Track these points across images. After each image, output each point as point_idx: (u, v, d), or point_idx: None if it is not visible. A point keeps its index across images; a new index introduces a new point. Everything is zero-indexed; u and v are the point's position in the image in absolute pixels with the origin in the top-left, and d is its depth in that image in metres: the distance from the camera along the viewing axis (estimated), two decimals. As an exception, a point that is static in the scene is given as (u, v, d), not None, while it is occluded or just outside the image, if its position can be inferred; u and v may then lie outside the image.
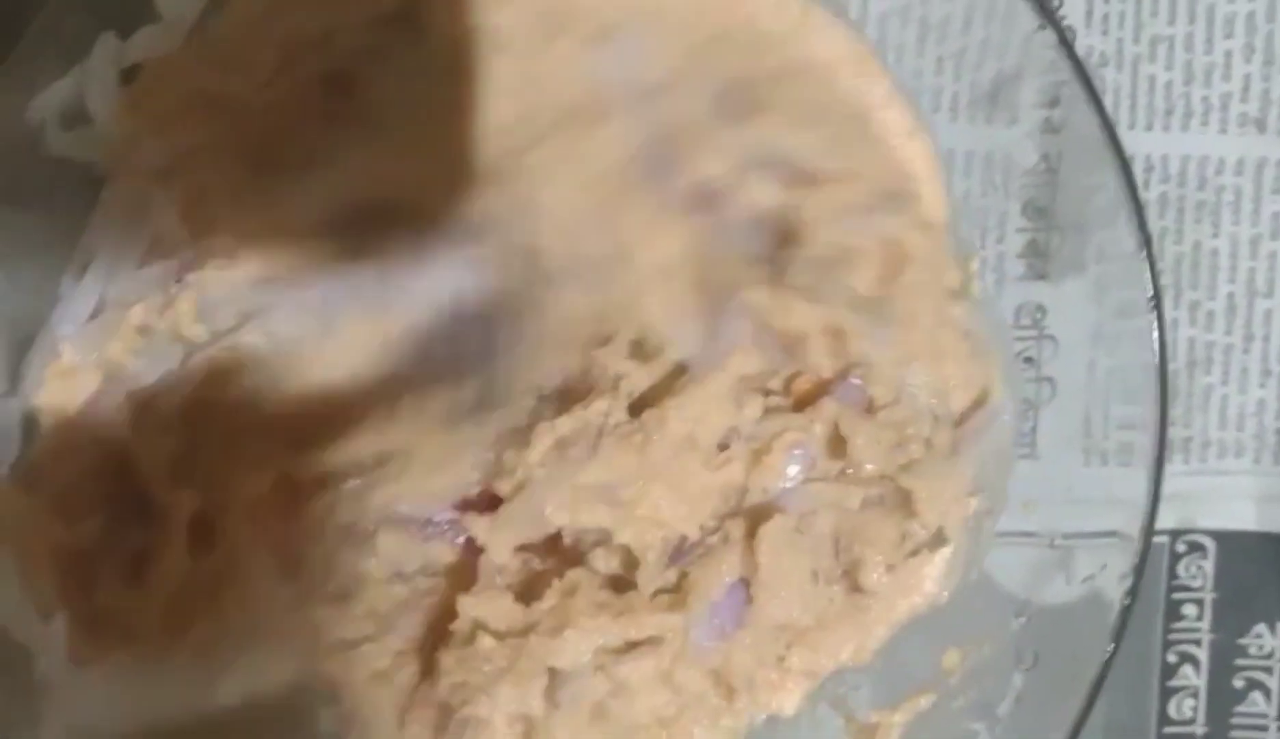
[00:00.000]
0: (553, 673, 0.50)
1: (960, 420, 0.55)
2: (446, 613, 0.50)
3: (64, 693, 0.49)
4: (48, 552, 0.50)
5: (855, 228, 0.54)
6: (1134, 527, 0.53)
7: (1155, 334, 0.52)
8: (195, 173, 0.52)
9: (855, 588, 0.54)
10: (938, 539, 0.55)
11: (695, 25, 0.55)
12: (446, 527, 0.50)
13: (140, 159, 0.51)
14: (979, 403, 0.55)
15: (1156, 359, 0.52)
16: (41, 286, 0.52)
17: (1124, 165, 0.51)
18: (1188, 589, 0.64)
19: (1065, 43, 0.51)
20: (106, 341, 0.52)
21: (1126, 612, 0.51)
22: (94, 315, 0.52)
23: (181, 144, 0.51)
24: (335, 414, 0.51)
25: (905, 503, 0.54)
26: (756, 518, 0.52)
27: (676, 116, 0.54)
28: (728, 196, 0.54)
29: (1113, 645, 0.51)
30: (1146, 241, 0.51)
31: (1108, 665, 0.51)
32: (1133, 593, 0.51)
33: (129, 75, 0.50)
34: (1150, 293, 0.51)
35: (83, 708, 0.49)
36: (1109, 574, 0.52)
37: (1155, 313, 0.51)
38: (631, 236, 0.53)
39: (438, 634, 0.50)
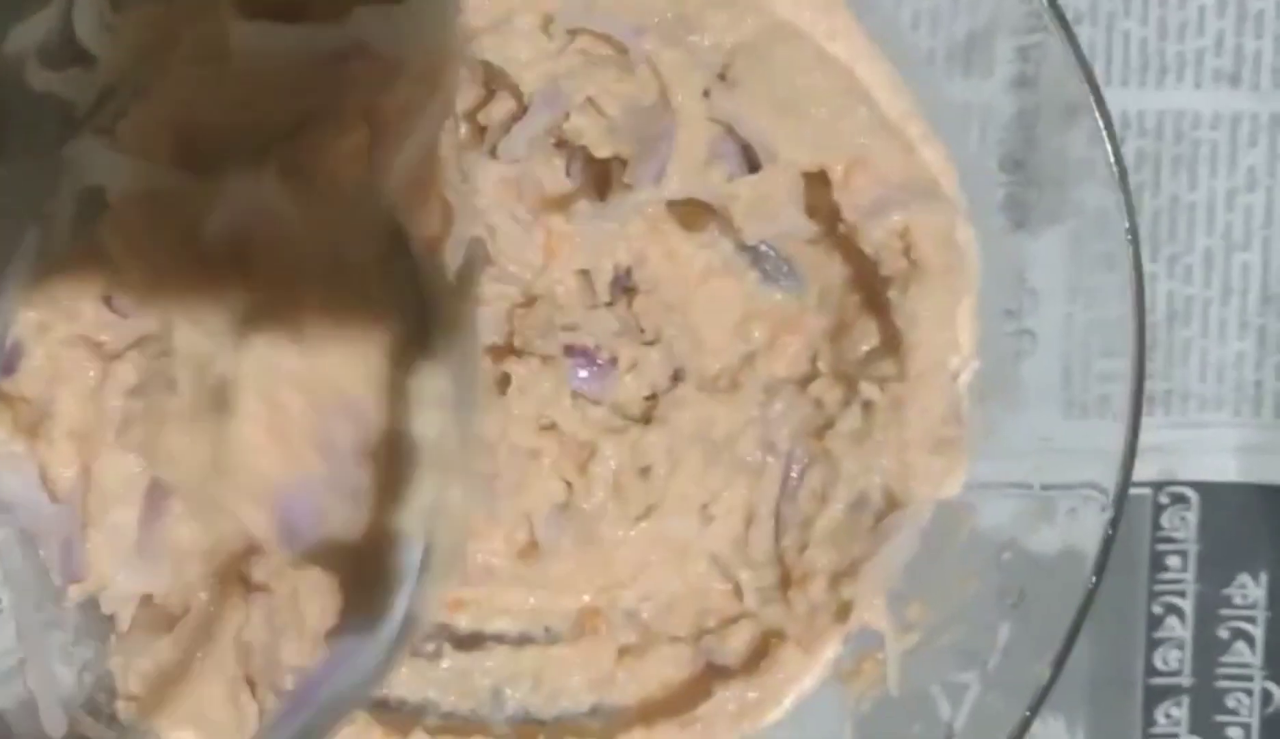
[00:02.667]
0: None
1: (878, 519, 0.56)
2: None
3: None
4: None
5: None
6: (1111, 476, 0.53)
7: (1130, 275, 0.52)
8: None
9: None
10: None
11: None
12: None
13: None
14: (896, 504, 0.56)
15: (1133, 299, 0.52)
16: (15, 219, 0.52)
17: (1101, 104, 0.52)
18: (1172, 541, 0.64)
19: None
20: None
21: (1108, 545, 0.51)
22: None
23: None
24: None
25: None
26: None
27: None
28: None
29: (1095, 579, 0.51)
30: (1123, 176, 0.51)
31: (1090, 598, 0.51)
32: (1114, 525, 0.52)
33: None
34: (1126, 225, 0.51)
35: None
36: (1090, 511, 0.53)
37: (1133, 258, 0.52)
38: None
39: None
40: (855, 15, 0.56)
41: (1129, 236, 0.52)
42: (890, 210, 0.55)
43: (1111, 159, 0.51)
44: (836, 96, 0.56)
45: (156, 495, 0.52)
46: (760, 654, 0.56)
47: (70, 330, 0.52)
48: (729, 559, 0.57)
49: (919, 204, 0.55)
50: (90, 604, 0.53)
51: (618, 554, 0.57)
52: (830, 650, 0.56)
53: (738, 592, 0.57)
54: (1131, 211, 0.52)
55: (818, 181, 0.56)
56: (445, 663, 0.56)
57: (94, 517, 0.52)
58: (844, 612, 0.55)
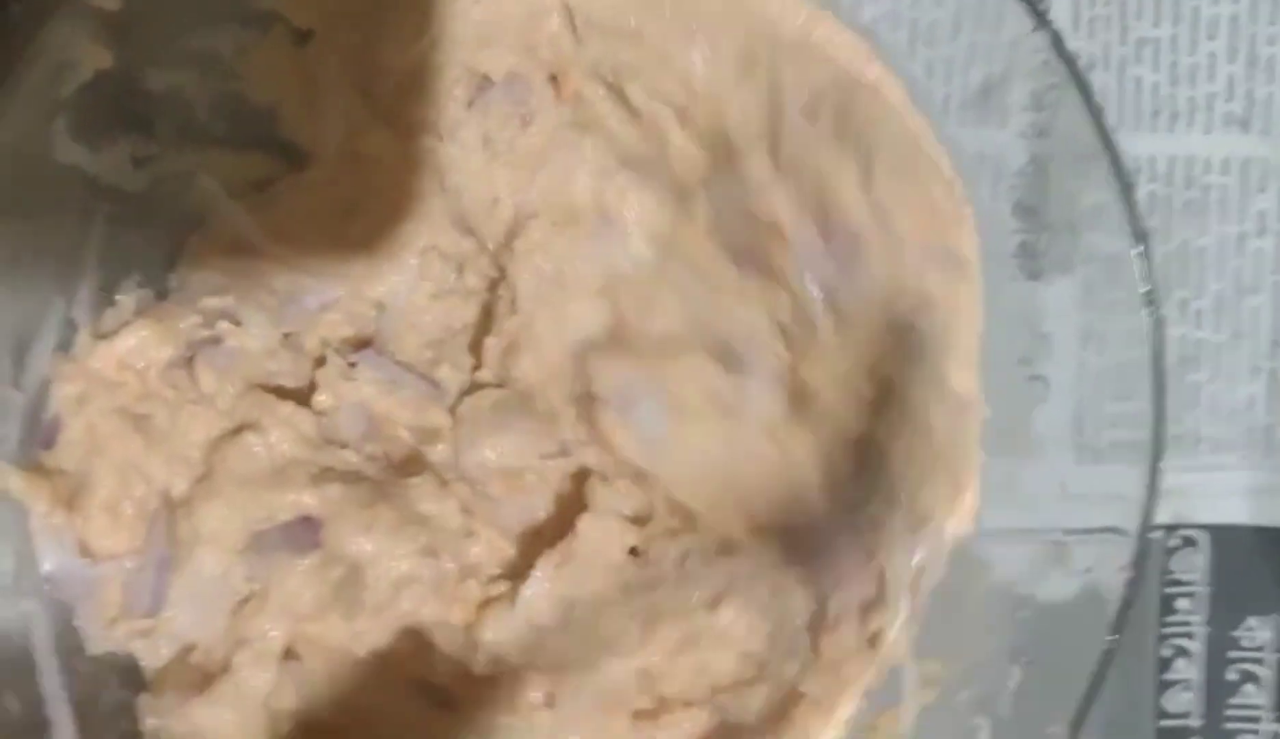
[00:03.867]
0: None
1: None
2: None
3: None
4: None
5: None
6: (1131, 521, 0.53)
7: (1149, 328, 0.52)
8: None
9: None
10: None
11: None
12: None
13: None
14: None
15: (1151, 352, 0.52)
16: (44, 292, 0.53)
17: (1116, 160, 0.52)
18: (1181, 583, 0.65)
19: (1058, 42, 0.52)
20: None
21: (1127, 603, 0.51)
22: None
23: None
24: None
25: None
26: None
27: None
28: None
29: (1114, 636, 0.51)
30: (1143, 234, 0.51)
31: (1109, 656, 0.51)
32: (1133, 583, 0.52)
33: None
34: (1147, 287, 0.51)
35: None
36: (1107, 567, 0.53)
37: (1150, 305, 0.52)
38: None
39: None
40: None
41: (1148, 298, 0.52)
42: (925, 272, 0.55)
43: (1126, 215, 0.52)
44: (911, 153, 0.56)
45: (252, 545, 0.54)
46: (778, 715, 0.56)
47: (110, 403, 0.53)
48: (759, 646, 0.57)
49: (947, 272, 0.55)
50: (113, 668, 0.54)
51: None
52: (849, 707, 0.57)
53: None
54: (1150, 265, 0.52)
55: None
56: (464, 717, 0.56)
57: (180, 558, 0.53)
58: (874, 641, 0.56)
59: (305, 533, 0.54)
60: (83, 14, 0.47)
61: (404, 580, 0.56)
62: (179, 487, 0.54)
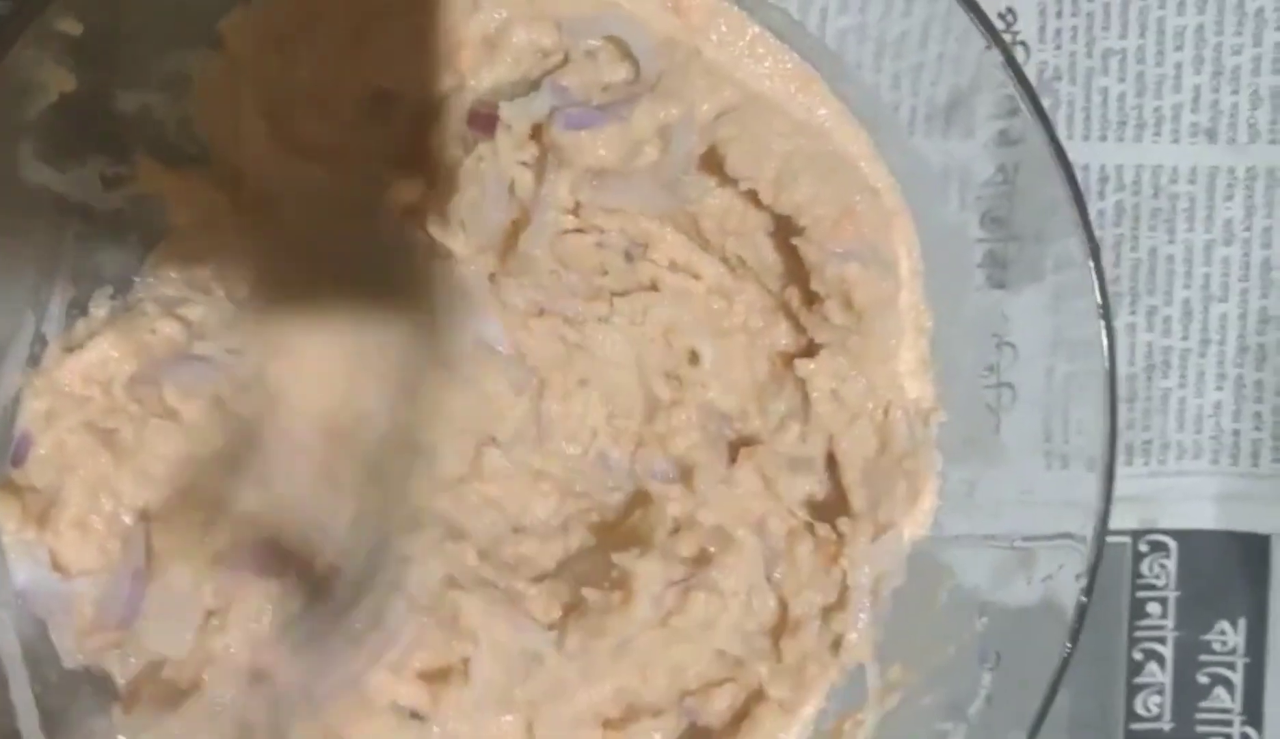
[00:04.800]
0: None
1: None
2: None
3: None
4: None
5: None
6: (1088, 529, 0.54)
7: (1105, 343, 0.53)
8: None
9: None
10: None
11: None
12: None
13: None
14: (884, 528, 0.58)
15: (1106, 366, 0.53)
16: (14, 307, 0.53)
17: (1072, 181, 0.52)
18: (1151, 588, 0.65)
19: (1012, 61, 0.52)
20: None
21: (1083, 611, 0.52)
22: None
23: None
24: None
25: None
26: None
27: None
28: None
29: (1070, 645, 0.52)
30: (1094, 251, 0.52)
31: (1066, 664, 0.52)
32: (1088, 592, 0.52)
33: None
34: (1099, 301, 0.52)
35: None
36: (1066, 574, 0.53)
37: (1104, 321, 0.53)
38: None
39: None
40: (831, 88, 0.57)
41: (1100, 310, 0.52)
42: (851, 260, 0.56)
43: (1084, 233, 0.52)
44: (823, 159, 0.57)
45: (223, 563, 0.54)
46: (742, 715, 0.57)
47: (79, 418, 0.54)
48: (728, 643, 0.58)
49: (875, 269, 0.56)
50: (85, 681, 0.55)
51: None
52: (811, 707, 0.57)
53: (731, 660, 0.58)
54: (1103, 280, 0.53)
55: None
56: (435, 729, 0.57)
57: (155, 570, 0.54)
58: (836, 645, 0.57)
59: (272, 558, 0.55)
60: (46, 38, 0.48)
61: None
62: (155, 499, 0.55)
